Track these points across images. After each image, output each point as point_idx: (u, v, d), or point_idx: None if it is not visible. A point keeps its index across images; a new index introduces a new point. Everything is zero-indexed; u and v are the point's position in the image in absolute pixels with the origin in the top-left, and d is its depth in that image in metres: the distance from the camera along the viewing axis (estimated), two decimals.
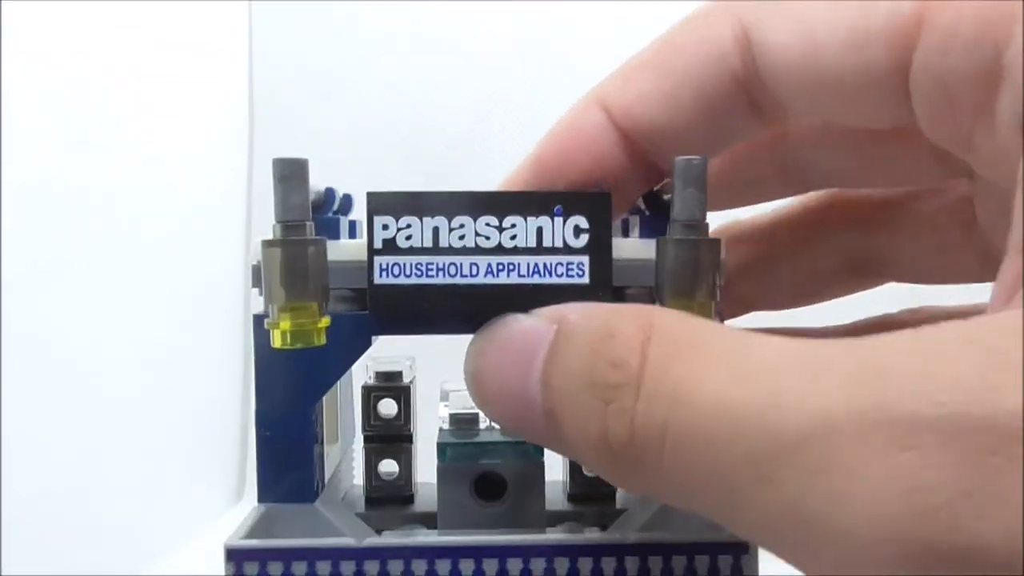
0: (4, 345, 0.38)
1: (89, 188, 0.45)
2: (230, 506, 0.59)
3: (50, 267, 0.42)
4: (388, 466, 0.26)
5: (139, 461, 0.49)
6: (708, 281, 0.18)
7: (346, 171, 0.62)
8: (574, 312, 0.17)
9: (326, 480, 0.24)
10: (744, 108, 0.19)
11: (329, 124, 0.65)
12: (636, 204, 0.23)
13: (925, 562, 0.11)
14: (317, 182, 0.21)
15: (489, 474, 0.24)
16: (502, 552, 0.20)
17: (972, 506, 0.11)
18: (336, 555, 0.20)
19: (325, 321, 0.19)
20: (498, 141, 0.64)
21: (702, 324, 0.15)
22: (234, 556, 0.19)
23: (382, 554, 0.20)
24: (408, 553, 0.20)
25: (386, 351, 0.25)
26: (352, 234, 0.24)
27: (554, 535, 0.21)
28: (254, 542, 0.20)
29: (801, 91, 0.18)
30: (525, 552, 0.20)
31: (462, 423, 0.25)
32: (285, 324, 0.18)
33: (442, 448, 0.23)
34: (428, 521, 0.25)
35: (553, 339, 0.16)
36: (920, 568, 0.11)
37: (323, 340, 0.19)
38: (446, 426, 0.25)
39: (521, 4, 0.65)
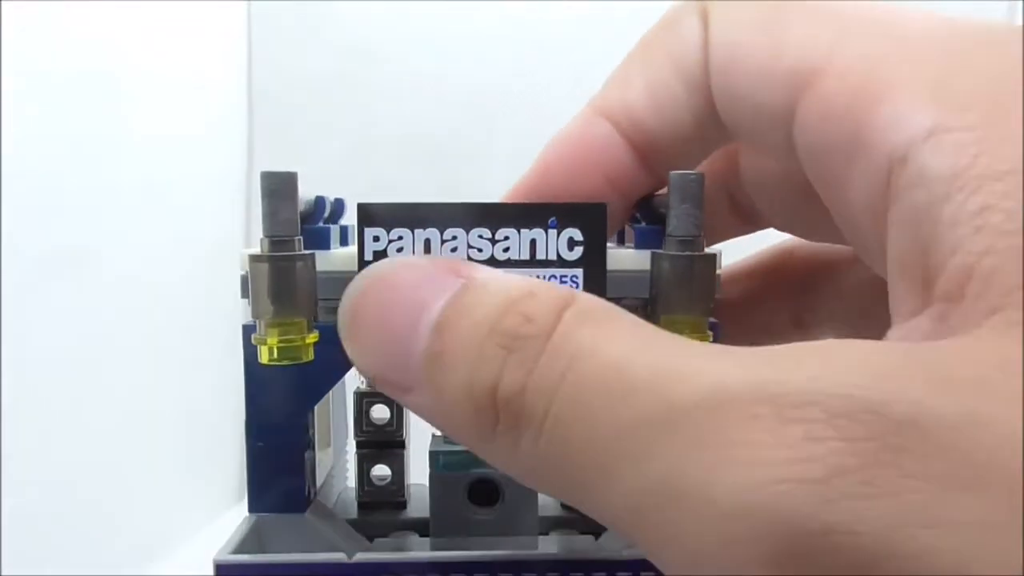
0: (4, 345, 0.38)
1: (88, 188, 0.45)
2: (230, 506, 0.59)
3: (50, 267, 0.42)
4: (381, 471, 0.26)
5: (139, 461, 0.49)
6: (702, 297, 0.18)
7: (345, 172, 0.63)
8: (486, 270, 0.16)
9: (318, 485, 0.24)
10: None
11: (328, 125, 0.64)
12: (633, 213, 0.22)
13: (795, 539, 0.11)
14: (307, 191, 0.21)
15: (482, 480, 0.23)
16: (493, 568, 0.20)
17: (847, 486, 0.11)
18: (326, 571, 0.19)
19: (313, 337, 0.18)
20: (499, 141, 0.64)
21: (622, 310, 0.15)
22: (223, 571, 0.19)
23: (372, 570, 0.19)
24: (398, 568, 0.20)
25: None
26: (344, 240, 0.23)
27: (546, 551, 0.21)
28: (243, 558, 0.19)
29: (723, 107, 0.18)
30: (517, 568, 0.20)
31: None
32: (272, 340, 0.18)
33: (435, 456, 0.23)
34: (421, 527, 0.25)
35: (462, 287, 0.15)
36: (788, 545, 0.11)
37: (311, 356, 0.18)
38: (439, 433, 0.24)
39: (521, 4, 0.64)
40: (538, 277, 0.19)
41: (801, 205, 0.21)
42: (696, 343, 0.14)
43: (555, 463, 0.14)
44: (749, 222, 0.23)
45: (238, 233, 0.62)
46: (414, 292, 0.16)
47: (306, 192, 0.20)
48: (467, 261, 0.17)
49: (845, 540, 0.11)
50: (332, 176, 0.58)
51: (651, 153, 0.20)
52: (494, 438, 0.14)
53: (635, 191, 0.21)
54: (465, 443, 0.15)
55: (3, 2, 0.38)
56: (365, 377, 0.17)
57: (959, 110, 0.13)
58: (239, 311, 0.20)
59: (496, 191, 0.22)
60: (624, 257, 0.20)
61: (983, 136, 0.13)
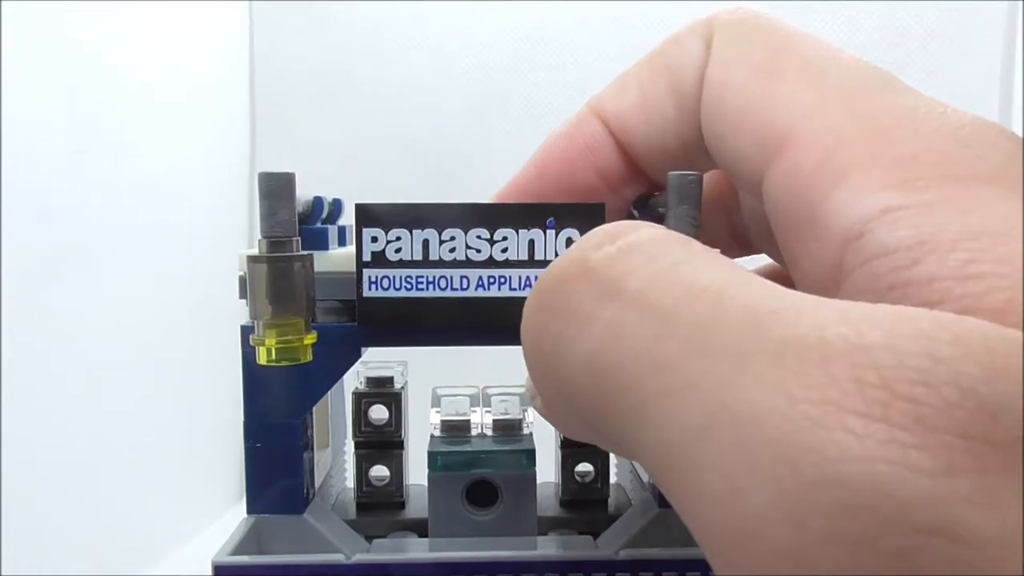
0: (4, 346, 0.38)
1: (89, 188, 0.45)
2: (230, 506, 0.59)
3: (50, 267, 0.42)
4: (379, 471, 0.26)
5: (139, 460, 0.48)
6: None
7: (346, 172, 0.62)
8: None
9: (317, 486, 0.24)
10: None
11: (330, 124, 0.64)
12: (630, 211, 0.22)
13: (889, 528, 0.10)
14: (305, 191, 0.21)
15: (481, 482, 0.23)
16: (492, 568, 0.20)
17: (963, 488, 0.10)
18: (325, 572, 0.19)
19: (311, 338, 0.18)
20: (498, 141, 0.64)
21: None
22: (221, 572, 0.19)
23: (371, 570, 0.19)
24: (397, 569, 0.20)
25: (377, 355, 0.25)
26: (342, 240, 0.23)
27: (545, 551, 0.21)
28: (242, 559, 0.19)
29: (708, 139, 0.18)
30: (516, 568, 0.20)
31: (453, 429, 0.24)
32: (271, 341, 0.18)
33: (433, 457, 0.23)
34: (419, 528, 0.25)
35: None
36: (877, 533, 0.10)
37: (309, 357, 0.18)
38: (437, 432, 0.25)
39: (521, 4, 0.64)
40: (537, 277, 0.19)
41: (775, 245, 0.21)
42: (794, 292, 0.13)
43: (637, 356, 0.13)
44: (745, 245, 0.23)
45: (239, 233, 0.62)
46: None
47: (304, 193, 0.20)
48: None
49: (948, 547, 0.10)
50: (333, 176, 0.58)
51: (638, 159, 0.20)
52: (546, 329, 0.14)
53: (627, 190, 0.21)
54: (524, 327, 0.15)
55: (3, 2, 0.38)
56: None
57: (914, 192, 0.14)
58: (240, 312, 0.20)
59: (495, 192, 0.22)
60: None
61: (944, 210, 0.13)
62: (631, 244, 0.14)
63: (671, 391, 0.12)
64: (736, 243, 0.23)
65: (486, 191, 0.22)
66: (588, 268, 0.14)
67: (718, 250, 0.14)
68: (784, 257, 0.17)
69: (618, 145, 0.20)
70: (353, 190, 0.24)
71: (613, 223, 0.15)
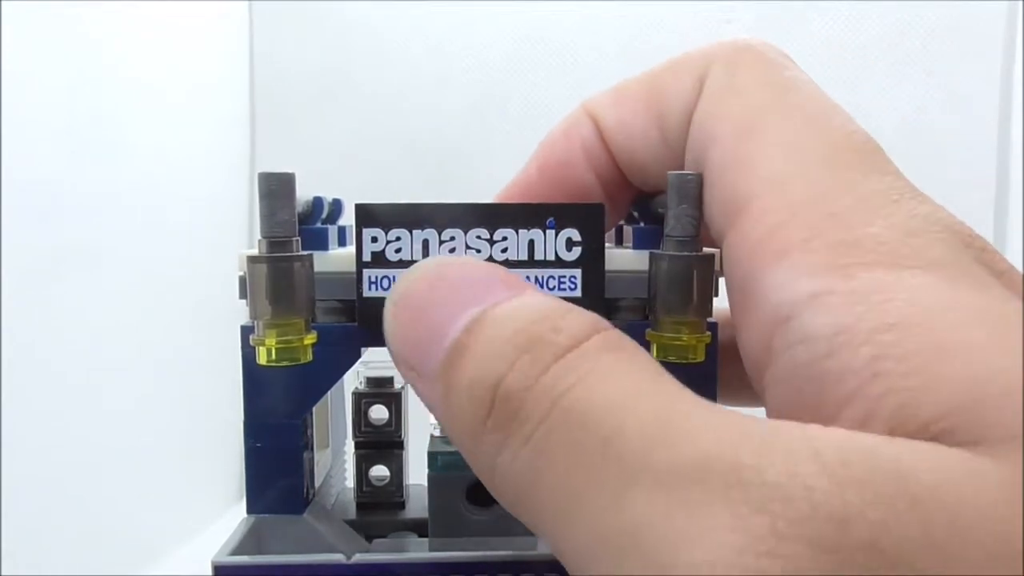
0: (4, 346, 0.38)
1: (89, 188, 0.45)
2: (230, 506, 0.59)
3: (50, 267, 0.42)
4: (379, 471, 0.26)
5: (139, 461, 0.49)
6: (701, 298, 0.18)
7: (346, 172, 0.63)
8: (539, 292, 0.16)
9: (317, 486, 0.24)
10: None
11: (330, 124, 0.64)
12: (630, 212, 0.22)
13: None
14: (305, 191, 0.21)
15: (481, 482, 0.23)
16: (492, 568, 0.20)
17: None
18: (325, 572, 0.19)
19: (311, 338, 0.18)
20: (498, 141, 0.64)
21: (644, 351, 0.15)
22: (221, 572, 0.19)
23: (371, 570, 0.19)
24: (397, 569, 0.20)
25: (377, 355, 0.25)
26: (342, 240, 0.23)
27: (544, 551, 0.21)
28: (241, 559, 0.19)
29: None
30: (515, 568, 0.20)
31: None
32: (271, 341, 0.18)
33: (433, 457, 0.23)
34: (419, 528, 0.25)
35: (508, 298, 0.15)
36: None
37: (309, 357, 0.18)
38: (437, 433, 0.24)
39: (521, 4, 0.64)
40: (537, 278, 0.19)
41: None
42: (701, 403, 0.13)
43: (531, 478, 0.14)
44: None
45: (239, 233, 0.62)
46: (463, 291, 0.16)
47: (304, 193, 0.20)
48: (525, 282, 0.17)
49: None
50: (333, 176, 0.58)
51: (624, 170, 0.20)
52: (482, 435, 0.14)
53: (621, 192, 0.21)
54: (455, 438, 0.15)
55: (4, 2, 0.38)
56: (389, 352, 0.17)
57: (844, 278, 0.14)
58: (241, 312, 0.20)
59: (495, 191, 0.22)
60: (622, 257, 0.20)
61: (866, 298, 0.14)
62: (575, 360, 0.14)
63: (581, 500, 0.13)
64: None
65: (486, 191, 0.22)
66: (539, 384, 0.14)
67: (650, 358, 0.15)
68: (734, 325, 0.17)
69: (608, 150, 0.20)
70: (353, 190, 0.24)
71: (566, 318, 0.15)
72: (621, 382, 0.14)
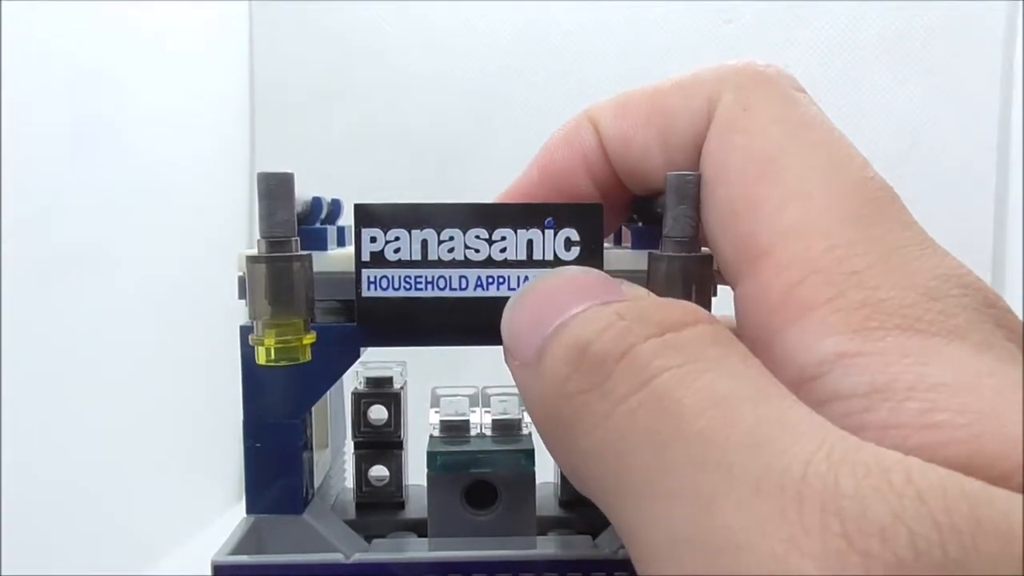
0: (4, 346, 0.38)
1: (89, 188, 0.45)
2: (230, 506, 0.59)
3: (50, 267, 0.42)
4: (379, 471, 0.26)
5: (139, 461, 0.49)
6: (699, 298, 0.18)
7: (346, 172, 0.63)
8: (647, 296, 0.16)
9: (316, 486, 0.24)
10: None
11: (330, 124, 0.64)
12: (629, 214, 0.22)
13: None
14: (304, 191, 0.21)
15: (480, 482, 0.23)
16: (491, 568, 0.20)
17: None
18: (324, 571, 0.19)
19: (310, 337, 0.18)
20: (497, 141, 0.64)
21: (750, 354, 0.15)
22: (220, 572, 0.19)
23: (370, 570, 0.19)
24: (396, 569, 0.20)
25: (376, 355, 0.25)
26: (341, 240, 0.23)
27: (544, 551, 0.21)
28: (241, 558, 0.19)
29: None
30: (515, 568, 0.20)
31: (453, 429, 0.24)
32: (270, 341, 0.18)
33: (432, 457, 0.23)
34: (419, 528, 0.25)
35: (618, 299, 0.16)
36: None
37: (308, 357, 0.18)
38: (436, 433, 0.25)
39: (521, 4, 0.64)
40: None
41: None
42: (803, 410, 0.13)
43: (612, 458, 0.13)
44: None
45: (239, 233, 0.62)
46: (580, 290, 0.16)
47: (303, 193, 0.20)
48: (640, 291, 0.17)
49: None
50: (332, 176, 0.58)
51: (623, 180, 0.20)
52: (566, 398, 0.14)
53: (619, 199, 0.21)
54: (539, 420, 0.15)
55: (3, 2, 0.38)
56: (505, 336, 0.17)
57: (871, 340, 0.14)
58: (241, 312, 0.20)
59: (494, 192, 0.22)
60: (620, 257, 0.20)
61: (898, 360, 0.14)
62: (676, 342, 0.14)
63: (667, 494, 0.12)
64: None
65: (485, 191, 0.22)
66: (632, 357, 0.14)
67: (755, 359, 0.14)
68: None
69: (607, 158, 0.20)
70: (352, 190, 0.24)
71: (670, 307, 0.15)
72: (724, 378, 0.13)
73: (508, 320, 0.17)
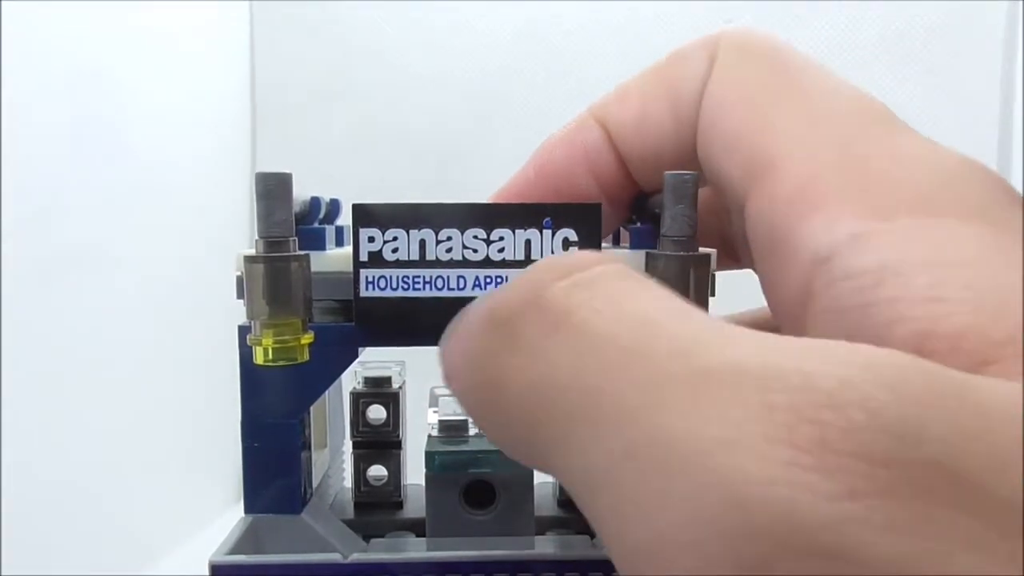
0: (4, 346, 0.38)
1: (89, 189, 0.45)
2: (230, 506, 0.59)
3: (50, 267, 0.42)
4: (377, 471, 0.26)
5: (139, 461, 0.49)
6: (698, 297, 0.18)
7: (346, 172, 0.63)
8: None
9: (314, 485, 0.24)
10: None
11: (330, 125, 0.64)
12: (628, 214, 0.22)
13: (789, 547, 0.10)
14: (303, 191, 0.21)
15: (479, 481, 0.23)
16: (489, 567, 0.20)
17: (861, 511, 0.10)
18: (322, 571, 0.19)
19: (308, 337, 0.19)
20: (496, 141, 0.64)
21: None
22: (218, 572, 0.19)
23: (369, 570, 0.19)
24: (395, 569, 0.20)
25: (375, 355, 0.25)
26: (339, 240, 0.23)
27: (542, 550, 0.21)
28: (239, 558, 0.19)
29: (701, 156, 0.18)
30: (513, 568, 0.20)
31: (451, 429, 0.24)
32: (267, 340, 0.18)
33: (431, 456, 0.23)
34: (417, 527, 0.25)
35: None
36: (778, 553, 0.10)
37: (306, 357, 0.18)
38: (435, 432, 0.25)
39: (522, 4, 0.64)
40: None
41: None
42: (731, 324, 0.12)
43: (535, 401, 0.13)
44: (735, 258, 0.23)
45: (239, 233, 0.62)
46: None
47: (301, 193, 0.20)
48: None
49: (846, 571, 0.10)
50: (333, 176, 0.58)
51: (633, 168, 0.20)
52: (481, 359, 0.14)
53: (623, 196, 0.21)
54: (464, 402, 0.15)
55: (4, 2, 0.38)
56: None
57: (884, 220, 0.14)
58: (241, 312, 0.20)
59: (493, 192, 0.22)
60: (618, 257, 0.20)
61: (911, 237, 0.14)
62: (584, 280, 0.14)
63: (596, 417, 0.12)
64: (727, 255, 0.23)
65: (485, 191, 0.22)
66: (541, 302, 0.13)
67: (669, 289, 0.14)
68: (760, 281, 0.17)
69: (616, 153, 0.20)
70: (352, 190, 0.24)
71: (571, 255, 0.15)
72: (640, 303, 0.13)
73: (441, 352, 0.16)
